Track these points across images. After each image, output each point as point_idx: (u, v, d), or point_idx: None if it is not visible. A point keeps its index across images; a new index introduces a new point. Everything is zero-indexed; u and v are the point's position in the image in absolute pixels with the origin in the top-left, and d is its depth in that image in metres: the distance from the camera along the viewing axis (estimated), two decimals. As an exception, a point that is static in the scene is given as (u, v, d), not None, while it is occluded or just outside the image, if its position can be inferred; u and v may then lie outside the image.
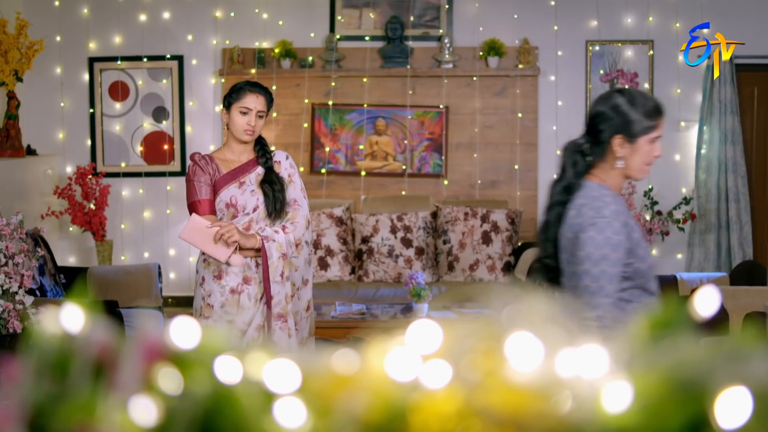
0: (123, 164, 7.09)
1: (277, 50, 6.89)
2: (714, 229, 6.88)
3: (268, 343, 3.49)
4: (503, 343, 0.62)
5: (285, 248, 3.54)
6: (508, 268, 6.38)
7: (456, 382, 0.61)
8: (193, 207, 3.57)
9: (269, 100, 3.65)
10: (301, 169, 6.70)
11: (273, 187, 3.61)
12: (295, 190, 3.68)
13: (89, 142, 7.08)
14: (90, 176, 6.62)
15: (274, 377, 0.62)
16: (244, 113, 3.58)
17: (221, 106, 3.78)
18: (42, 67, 6.76)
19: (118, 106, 7.08)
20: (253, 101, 3.58)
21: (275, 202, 3.60)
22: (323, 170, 6.98)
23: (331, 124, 7.01)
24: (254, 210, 3.59)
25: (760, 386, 0.58)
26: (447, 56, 6.93)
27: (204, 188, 3.58)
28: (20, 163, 6.48)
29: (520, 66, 6.93)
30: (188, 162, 3.70)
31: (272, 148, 3.81)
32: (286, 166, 3.70)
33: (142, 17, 7.01)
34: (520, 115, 6.99)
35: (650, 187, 6.75)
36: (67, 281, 5.65)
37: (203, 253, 3.64)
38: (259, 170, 3.64)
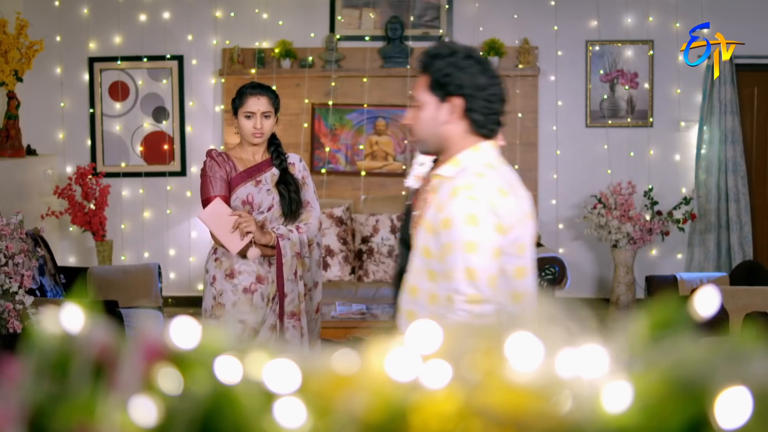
0: (123, 164, 7.09)
1: (277, 50, 6.89)
2: (714, 229, 6.88)
3: (280, 342, 3.50)
4: (503, 343, 0.62)
5: (299, 247, 3.57)
6: (508, 268, 6.38)
7: (456, 382, 0.61)
8: (206, 203, 3.58)
9: (273, 99, 3.65)
10: (301, 169, 6.70)
11: (289, 188, 3.64)
12: (308, 193, 3.72)
13: (89, 142, 7.08)
14: (90, 176, 6.62)
15: (274, 377, 0.62)
16: (249, 117, 3.59)
17: (226, 109, 3.79)
18: (42, 67, 6.76)
19: (118, 106, 7.08)
20: (255, 103, 3.59)
21: (291, 203, 3.62)
22: (323, 170, 6.98)
23: (331, 124, 7.01)
24: (269, 209, 3.61)
25: (760, 386, 0.58)
26: (447, 56, 6.92)
27: (219, 184, 3.59)
28: (20, 163, 6.48)
29: (520, 66, 6.93)
30: (205, 158, 3.70)
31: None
32: (299, 168, 3.73)
33: (142, 17, 7.01)
34: (520, 115, 6.98)
35: (650, 187, 6.75)
36: (67, 281, 5.64)
37: (214, 252, 3.65)
38: (274, 171, 3.66)
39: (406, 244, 2.87)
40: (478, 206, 2.14)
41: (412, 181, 2.91)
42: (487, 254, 2.13)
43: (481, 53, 2.34)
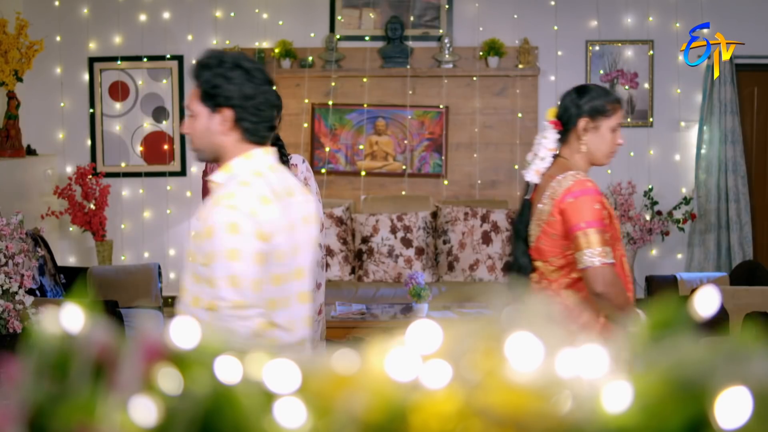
0: (123, 164, 7.09)
1: (277, 50, 6.89)
2: (714, 229, 6.88)
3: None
4: (503, 343, 0.62)
5: None
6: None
7: (456, 382, 0.61)
8: None
9: None
10: (301, 169, 6.69)
11: None
12: (311, 194, 3.71)
13: (89, 142, 7.08)
14: (90, 176, 6.63)
15: (274, 377, 0.62)
16: None
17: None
18: (42, 67, 6.76)
19: (118, 106, 7.08)
20: None
21: None
22: (323, 170, 6.98)
23: (331, 124, 7.01)
24: None
25: (760, 386, 0.58)
26: (447, 56, 6.93)
27: None
28: (20, 163, 6.47)
29: (520, 66, 6.93)
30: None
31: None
32: (302, 169, 3.73)
33: (142, 17, 7.01)
34: (520, 115, 6.99)
35: (650, 187, 6.75)
36: (67, 281, 5.64)
37: None
38: None
39: (521, 237, 2.91)
40: (237, 215, 2.19)
41: (532, 176, 2.92)
42: (249, 260, 2.18)
43: (253, 59, 2.38)
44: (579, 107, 2.87)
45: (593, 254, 2.69)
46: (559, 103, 2.97)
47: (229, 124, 2.28)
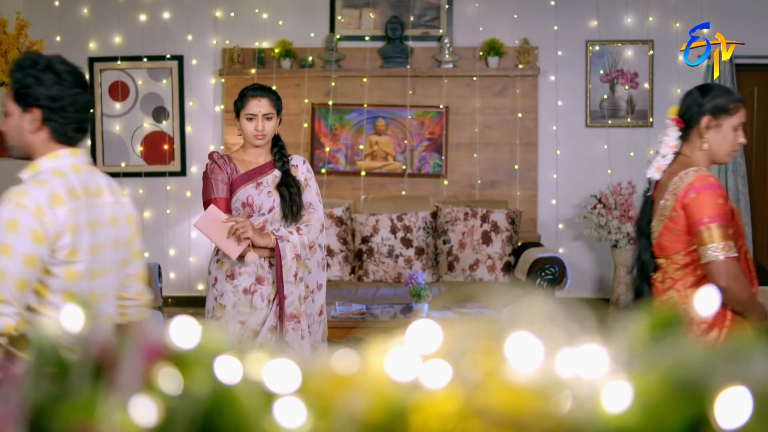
0: (123, 164, 7.09)
1: (277, 50, 6.89)
2: (714, 229, 6.88)
3: (280, 343, 3.51)
4: (503, 343, 0.62)
5: (299, 249, 3.56)
6: (508, 268, 6.38)
7: (456, 382, 0.61)
8: (208, 205, 3.58)
9: (274, 101, 3.64)
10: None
11: (290, 189, 3.63)
12: (311, 194, 3.70)
13: (89, 142, 7.08)
14: (90, 176, 6.62)
15: (274, 377, 0.62)
16: (250, 119, 3.59)
17: (226, 109, 3.78)
18: (42, 67, 6.76)
19: (118, 106, 7.08)
20: (256, 105, 3.59)
21: (292, 205, 3.62)
22: (323, 170, 6.98)
23: (331, 124, 7.01)
24: (270, 211, 3.61)
25: (760, 386, 0.58)
26: (447, 56, 6.93)
27: (221, 186, 3.60)
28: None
29: (520, 66, 6.93)
30: (207, 160, 3.71)
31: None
32: (303, 170, 3.72)
33: (142, 17, 7.01)
34: (520, 115, 6.99)
35: (650, 187, 6.75)
36: (67, 281, 5.64)
37: (216, 254, 3.65)
38: (276, 173, 3.66)
39: (644, 234, 2.99)
40: (20, 213, 2.27)
41: (653, 173, 2.99)
42: (18, 259, 2.26)
43: (67, 61, 2.44)
44: (701, 105, 2.92)
45: (717, 248, 2.74)
46: (680, 101, 3.03)
47: (37, 124, 2.39)
